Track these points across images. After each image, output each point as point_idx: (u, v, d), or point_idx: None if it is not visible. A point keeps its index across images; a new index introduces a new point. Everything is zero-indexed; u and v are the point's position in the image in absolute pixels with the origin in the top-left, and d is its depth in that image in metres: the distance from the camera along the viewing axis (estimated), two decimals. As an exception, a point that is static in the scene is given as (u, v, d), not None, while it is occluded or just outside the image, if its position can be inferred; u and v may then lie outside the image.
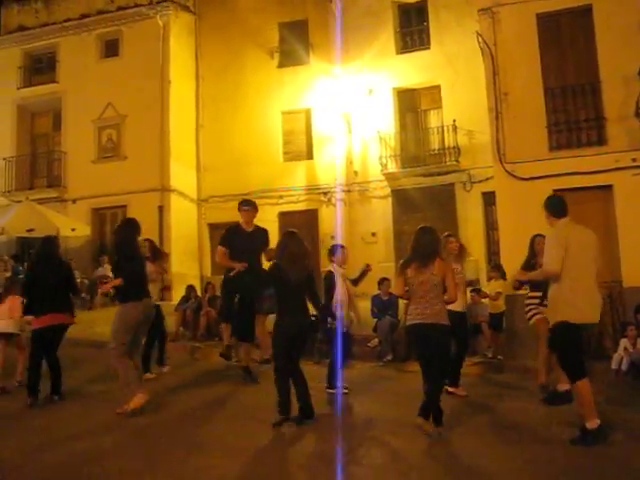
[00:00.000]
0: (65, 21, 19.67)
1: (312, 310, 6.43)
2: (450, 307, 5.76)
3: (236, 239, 7.69)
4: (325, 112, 17.88)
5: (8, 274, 13.01)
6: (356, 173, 17.50)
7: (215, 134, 19.04)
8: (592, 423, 5.04)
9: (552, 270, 5.31)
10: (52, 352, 7.12)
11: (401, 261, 5.82)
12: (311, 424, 5.86)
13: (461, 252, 7.54)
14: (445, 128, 16.48)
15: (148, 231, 15.26)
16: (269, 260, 7.36)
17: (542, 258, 5.72)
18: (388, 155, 17.04)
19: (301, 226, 17.06)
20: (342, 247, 7.89)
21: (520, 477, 4.62)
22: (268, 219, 14.94)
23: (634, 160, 10.22)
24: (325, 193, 17.85)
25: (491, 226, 15.45)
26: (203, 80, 19.63)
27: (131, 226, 6.91)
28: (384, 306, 10.19)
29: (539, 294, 6.89)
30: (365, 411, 6.73)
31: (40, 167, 20.17)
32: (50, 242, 7.46)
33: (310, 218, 17.87)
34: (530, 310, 7.44)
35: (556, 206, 5.56)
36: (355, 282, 7.98)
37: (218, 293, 10.40)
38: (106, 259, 15.23)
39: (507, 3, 11.26)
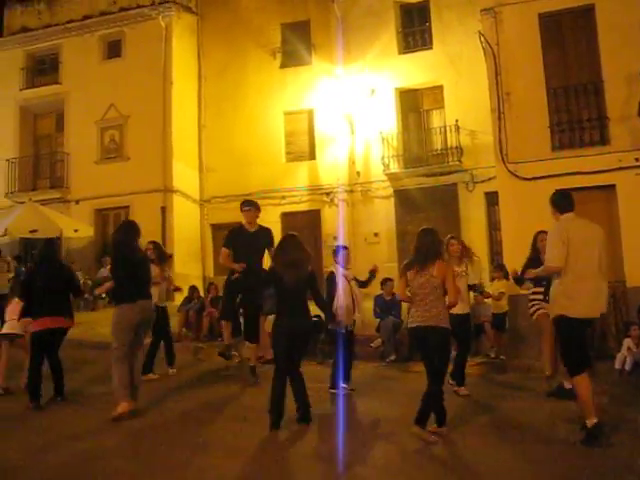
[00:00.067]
0: (68, 22, 19.70)
1: (315, 310, 6.43)
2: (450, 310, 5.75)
3: (239, 240, 7.69)
4: (327, 112, 17.88)
5: (11, 275, 13.03)
6: (358, 173, 17.49)
7: (217, 135, 19.04)
8: (589, 421, 5.02)
9: (554, 266, 5.31)
10: (53, 354, 7.13)
11: (403, 263, 5.82)
12: (308, 425, 5.84)
13: (464, 254, 7.53)
14: (447, 128, 16.45)
15: (151, 232, 15.37)
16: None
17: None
18: (390, 155, 17.02)
19: (303, 227, 17.19)
20: (344, 248, 7.89)
21: (523, 477, 4.61)
22: (270, 220, 14.92)
23: (637, 160, 10.20)
24: (328, 193, 17.84)
25: (494, 226, 15.42)
26: (205, 81, 19.64)
27: (129, 228, 6.88)
28: (387, 306, 10.20)
29: (542, 289, 6.94)
30: (368, 411, 6.73)
31: (43, 168, 20.19)
32: (50, 245, 7.46)
33: (312, 218, 17.88)
34: (533, 306, 7.56)
35: (560, 201, 5.54)
36: (364, 284, 8.00)
37: (221, 294, 10.42)
38: (108, 260, 15.19)
39: (509, 3, 11.24)
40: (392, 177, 17.00)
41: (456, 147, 16.28)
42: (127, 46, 19.06)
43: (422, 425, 5.25)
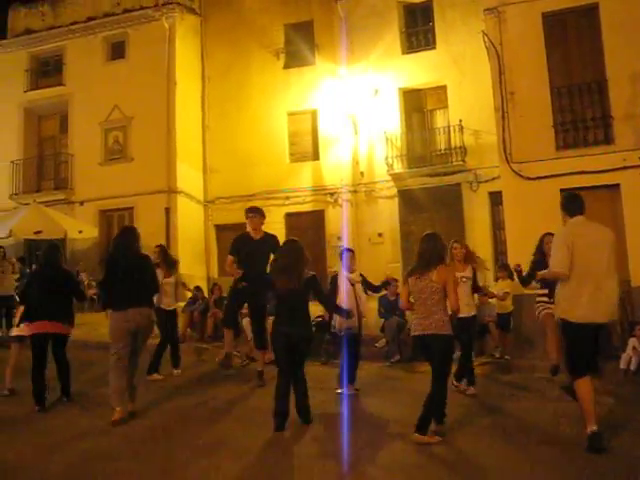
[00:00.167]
0: (72, 24, 19.77)
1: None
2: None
3: (244, 247, 7.61)
4: (331, 113, 17.90)
5: (16, 276, 13.07)
6: (362, 174, 17.48)
7: (221, 135, 19.07)
8: (589, 428, 4.90)
9: (559, 272, 5.20)
10: (58, 356, 7.13)
11: (407, 270, 5.82)
12: (308, 425, 5.86)
13: (467, 258, 7.49)
14: (451, 128, 16.43)
15: (155, 233, 15.43)
16: None
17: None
18: (394, 155, 17.01)
19: (307, 227, 17.21)
20: (349, 251, 7.81)
21: (527, 478, 4.60)
22: (274, 220, 14.99)
23: (641, 159, 10.19)
24: (331, 194, 17.83)
25: (498, 226, 15.40)
26: (209, 81, 19.68)
27: (127, 232, 6.77)
28: (391, 306, 10.19)
29: (547, 291, 6.95)
30: (373, 411, 6.72)
31: (47, 170, 20.25)
32: (53, 249, 7.42)
33: (316, 219, 17.88)
34: (539, 307, 7.62)
35: (569, 204, 5.46)
36: (377, 289, 8.03)
37: (225, 294, 10.45)
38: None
39: (513, 2, 11.24)
40: (396, 177, 16.98)
41: (460, 147, 16.25)
42: (131, 47, 19.11)
43: (423, 432, 5.23)
